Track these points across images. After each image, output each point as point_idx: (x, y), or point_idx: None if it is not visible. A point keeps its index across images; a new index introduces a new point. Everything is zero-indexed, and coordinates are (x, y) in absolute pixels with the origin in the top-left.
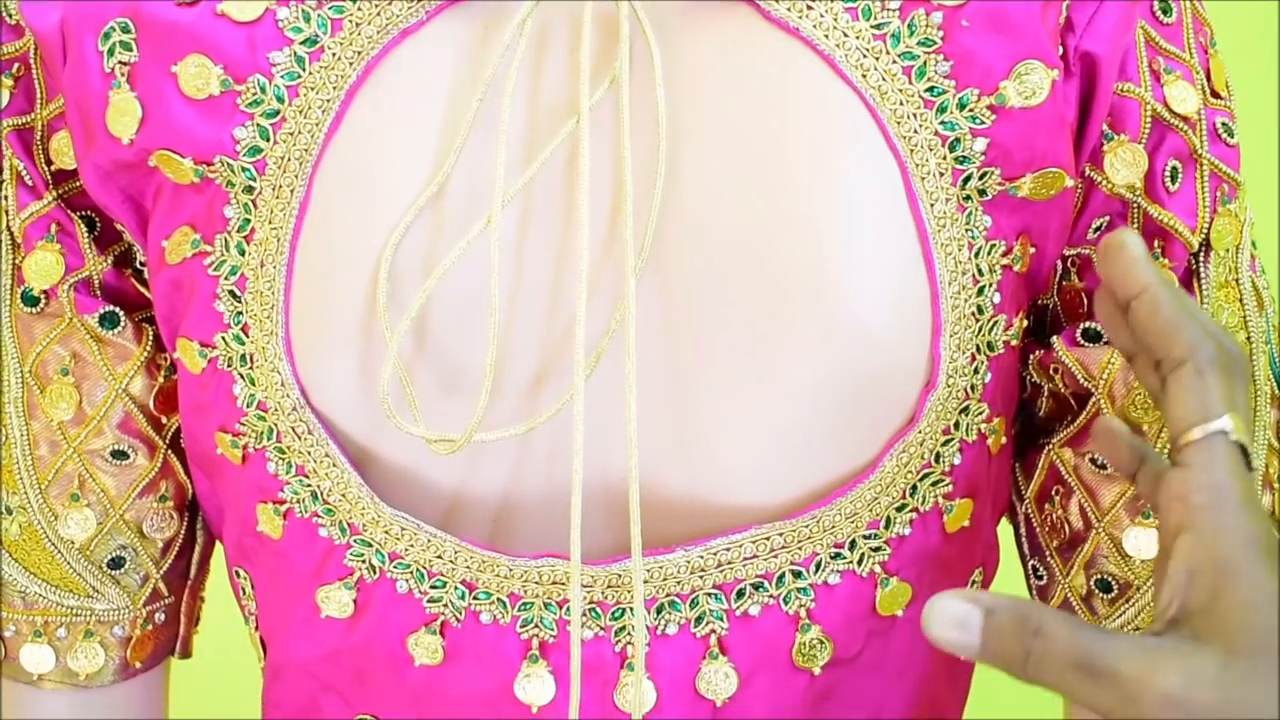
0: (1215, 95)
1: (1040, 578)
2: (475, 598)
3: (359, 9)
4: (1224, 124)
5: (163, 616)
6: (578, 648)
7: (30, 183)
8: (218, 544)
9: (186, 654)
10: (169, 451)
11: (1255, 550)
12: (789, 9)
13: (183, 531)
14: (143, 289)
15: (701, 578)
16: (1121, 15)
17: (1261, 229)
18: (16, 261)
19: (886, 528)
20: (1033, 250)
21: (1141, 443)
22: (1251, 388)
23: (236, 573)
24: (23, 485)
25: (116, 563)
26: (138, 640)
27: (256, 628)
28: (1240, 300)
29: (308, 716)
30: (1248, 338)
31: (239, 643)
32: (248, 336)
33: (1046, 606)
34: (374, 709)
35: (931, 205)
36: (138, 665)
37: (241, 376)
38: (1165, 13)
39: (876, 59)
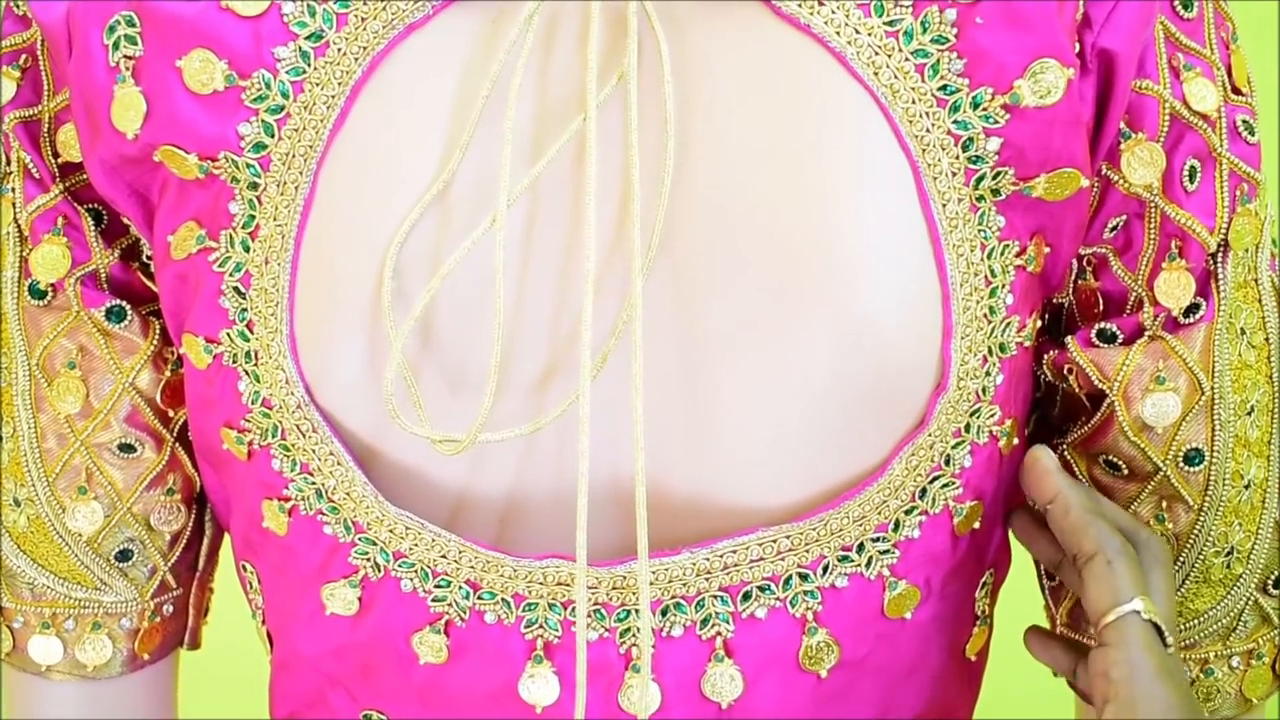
0: (1236, 92)
1: (1053, 579)
2: (480, 598)
3: (365, 4)
4: (1244, 121)
5: (171, 608)
6: (583, 650)
7: (37, 175)
8: (226, 536)
9: (195, 645)
10: (176, 444)
11: (1171, 717)
12: (799, 5)
13: (190, 524)
14: (149, 283)
15: (707, 580)
16: (1141, 11)
17: None
18: (24, 254)
19: (895, 530)
20: (1047, 250)
21: (1065, 644)
22: (1170, 571)
23: (244, 566)
24: (30, 478)
25: (124, 555)
26: (146, 632)
27: (264, 621)
28: (1259, 300)
29: (315, 710)
30: (1266, 338)
31: (247, 635)
32: (252, 333)
33: None
34: (380, 705)
35: (943, 206)
36: (146, 657)
37: (247, 373)
38: (1186, 7)
39: (889, 56)
